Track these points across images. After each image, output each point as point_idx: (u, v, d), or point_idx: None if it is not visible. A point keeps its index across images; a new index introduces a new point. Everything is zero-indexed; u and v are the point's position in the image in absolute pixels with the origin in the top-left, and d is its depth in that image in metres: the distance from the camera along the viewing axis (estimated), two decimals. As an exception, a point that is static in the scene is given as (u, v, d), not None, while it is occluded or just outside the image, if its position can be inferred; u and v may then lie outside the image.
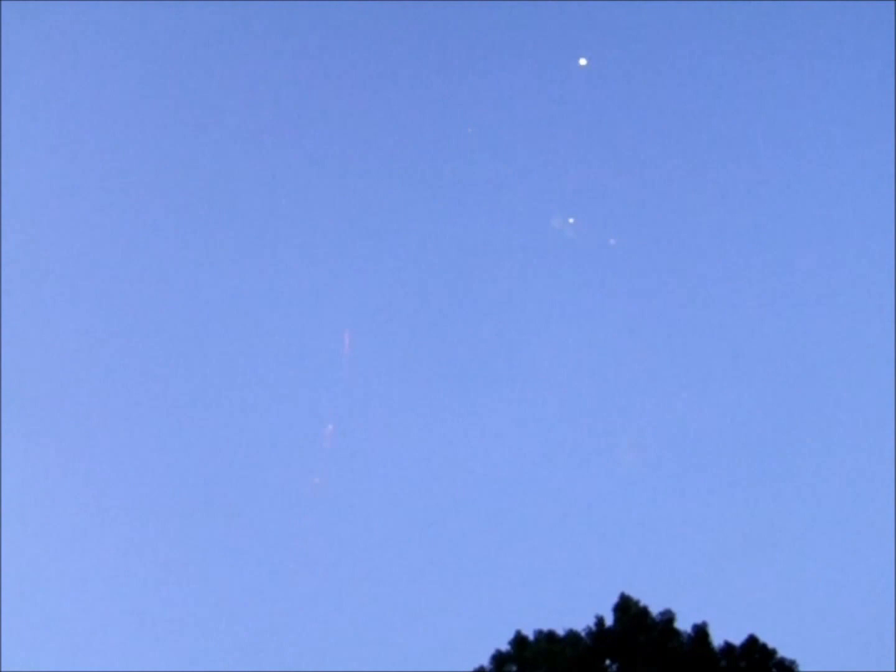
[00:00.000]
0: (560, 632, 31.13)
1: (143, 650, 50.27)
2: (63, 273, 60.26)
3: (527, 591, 46.09)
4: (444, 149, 63.12)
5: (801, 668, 34.30)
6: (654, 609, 32.24)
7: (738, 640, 33.28)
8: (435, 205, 62.80)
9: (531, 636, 31.57)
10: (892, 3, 58.45)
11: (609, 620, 32.08)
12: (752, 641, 33.07)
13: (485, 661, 34.59)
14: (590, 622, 31.85)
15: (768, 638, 33.12)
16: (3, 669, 45.24)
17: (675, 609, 32.47)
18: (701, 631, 32.30)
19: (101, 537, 55.04)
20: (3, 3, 53.90)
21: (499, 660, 33.81)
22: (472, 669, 35.29)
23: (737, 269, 61.51)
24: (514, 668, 33.03)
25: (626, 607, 31.10)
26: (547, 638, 30.76)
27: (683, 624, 32.69)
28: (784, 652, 34.05)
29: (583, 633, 31.35)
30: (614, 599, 32.10)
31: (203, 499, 56.22)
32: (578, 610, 32.31)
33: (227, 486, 56.59)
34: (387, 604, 49.00)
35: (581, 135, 62.51)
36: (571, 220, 56.00)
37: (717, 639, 32.95)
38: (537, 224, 61.91)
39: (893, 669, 38.02)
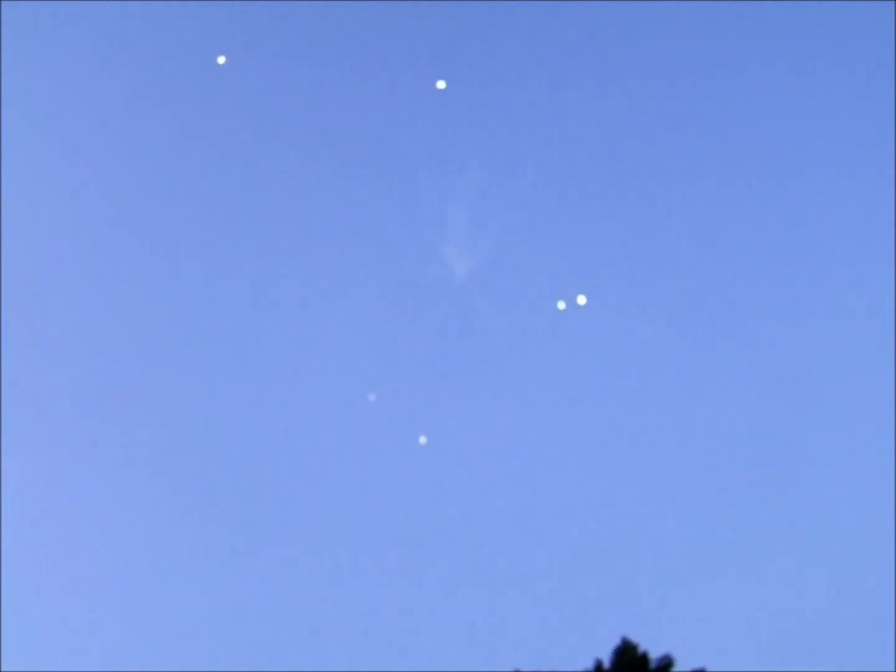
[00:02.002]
0: (558, 674, 31.49)
1: (143, 650, 51.05)
2: (63, 271, 60.59)
3: (527, 630, 46.73)
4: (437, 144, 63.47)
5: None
6: (656, 653, 32.62)
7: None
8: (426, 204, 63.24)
9: (529, 677, 31.90)
10: (893, 2, 58.80)
11: (608, 664, 32.53)
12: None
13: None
14: (588, 665, 32.24)
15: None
16: (3, 670, 46.05)
17: (677, 654, 32.79)
18: (700, 676, 32.64)
19: (102, 536, 55.65)
20: (2, 3, 54.10)
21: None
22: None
23: (736, 268, 62.02)
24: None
25: (625, 651, 31.51)
26: (544, 680, 31.06)
27: (684, 667, 33.04)
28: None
29: (581, 677, 31.75)
30: (614, 642, 32.58)
31: (204, 498, 56.80)
32: (580, 652, 32.79)
33: (229, 486, 57.18)
34: (379, 637, 49.59)
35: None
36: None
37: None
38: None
39: (893, 670, 38.83)
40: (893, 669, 37.96)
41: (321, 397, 59.50)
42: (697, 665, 32.52)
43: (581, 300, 53.23)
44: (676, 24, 62.81)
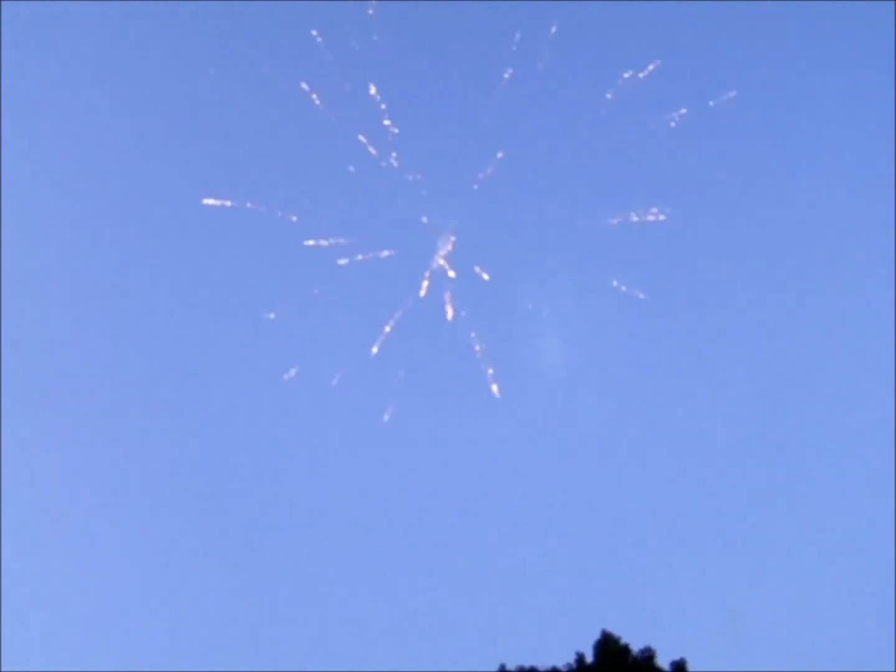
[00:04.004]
0: (541, 668, 31.32)
1: (143, 650, 50.98)
2: (63, 269, 60.45)
3: (511, 625, 46.47)
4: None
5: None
6: (636, 645, 32.38)
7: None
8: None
9: (514, 671, 31.76)
10: (893, 3, 58.33)
11: (590, 657, 32.19)
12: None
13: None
14: (570, 659, 31.95)
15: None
16: (3, 670, 45.89)
17: (656, 645, 32.56)
18: (679, 667, 32.50)
19: (102, 536, 55.62)
20: (2, 3, 53.96)
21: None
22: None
23: (738, 268, 61.57)
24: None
25: (607, 644, 31.22)
26: (529, 673, 30.89)
27: (664, 659, 32.86)
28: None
29: (563, 670, 31.53)
30: (596, 636, 32.26)
31: (205, 499, 56.77)
32: (563, 645, 32.57)
33: (231, 485, 57.16)
34: (371, 634, 49.51)
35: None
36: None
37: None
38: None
39: (893, 670, 38.39)
40: (893, 670, 37.62)
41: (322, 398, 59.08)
42: (678, 657, 32.50)
43: None
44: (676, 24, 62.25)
